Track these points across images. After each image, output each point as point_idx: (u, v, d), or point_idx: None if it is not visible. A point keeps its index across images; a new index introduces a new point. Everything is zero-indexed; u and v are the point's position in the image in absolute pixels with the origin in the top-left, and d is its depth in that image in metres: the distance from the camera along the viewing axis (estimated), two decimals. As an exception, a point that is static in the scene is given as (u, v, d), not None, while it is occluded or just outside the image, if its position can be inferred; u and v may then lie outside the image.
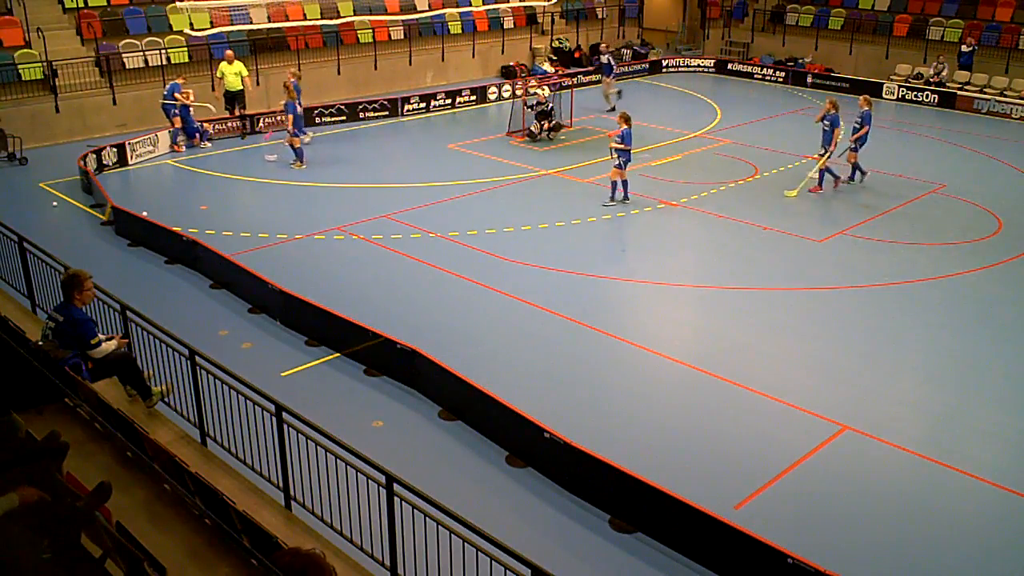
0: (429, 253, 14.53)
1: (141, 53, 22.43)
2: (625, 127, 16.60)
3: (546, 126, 21.68)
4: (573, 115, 23.18)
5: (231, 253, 13.68)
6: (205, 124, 20.86)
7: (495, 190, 18.06)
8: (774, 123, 24.01)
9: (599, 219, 16.41)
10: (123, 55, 22.19)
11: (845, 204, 17.51)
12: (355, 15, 26.18)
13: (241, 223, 15.84)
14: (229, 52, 21.60)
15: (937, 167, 20.10)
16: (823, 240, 15.54)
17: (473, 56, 28.88)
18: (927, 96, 26.39)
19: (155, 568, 4.06)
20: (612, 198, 16.99)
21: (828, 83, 27.96)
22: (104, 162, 18.73)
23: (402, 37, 27.22)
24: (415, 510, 6.18)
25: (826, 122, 17.70)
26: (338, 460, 6.65)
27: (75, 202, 16.99)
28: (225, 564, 5.16)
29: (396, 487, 6.31)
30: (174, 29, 23.33)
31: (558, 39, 31.17)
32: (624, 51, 32.26)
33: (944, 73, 26.73)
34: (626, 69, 30.12)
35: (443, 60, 28.07)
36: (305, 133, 19.27)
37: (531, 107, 21.93)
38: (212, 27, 23.03)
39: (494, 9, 29.67)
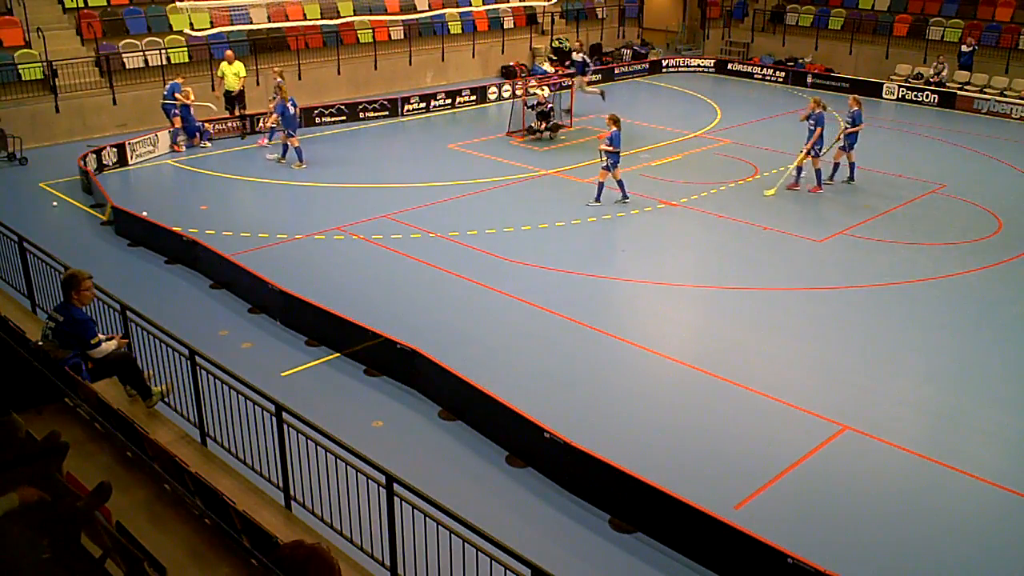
0: (429, 253, 14.53)
1: (141, 53, 22.43)
2: (615, 129, 16.58)
3: (543, 125, 21.72)
4: (573, 115, 23.20)
5: (231, 253, 13.67)
6: (206, 124, 20.87)
7: (495, 190, 18.06)
8: (774, 123, 24.00)
9: (599, 219, 16.41)
10: (123, 55, 22.19)
11: (845, 204, 17.50)
12: (355, 15, 26.18)
13: (241, 223, 15.84)
14: (229, 52, 21.60)
15: (937, 167, 20.10)
16: (823, 240, 15.54)
17: (473, 56, 28.87)
18: (927, 96, 26.39)
19: (155, 568, 4.06)
20: (597, 199, 16.95)
21: (828, 83, 27.97)
22: (104, 162, 18.73)
23: (402, 37, 27.22)
24: (415, 510, 6.18)
25: (811, 121, 17.73)
26: (338, 460, 6.65)
27: (75, 202, 16.99)
28: (225, 564, 5.16)
29: (396, 487, 6.31)
30: (174, 29, 23.32)
31: (558, 39, 31.16)
32: (624, 51, 32.28)
33: (944, 73, 26.73)
34: (626, 69, 30.14)
35: (443, 60, 28.07)
36: (292, 136, 19.18)
37: (531, 107, 21.97)
38: (212, 27, 23.01)
39: (494, 9, 29.67)
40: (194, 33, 22.31)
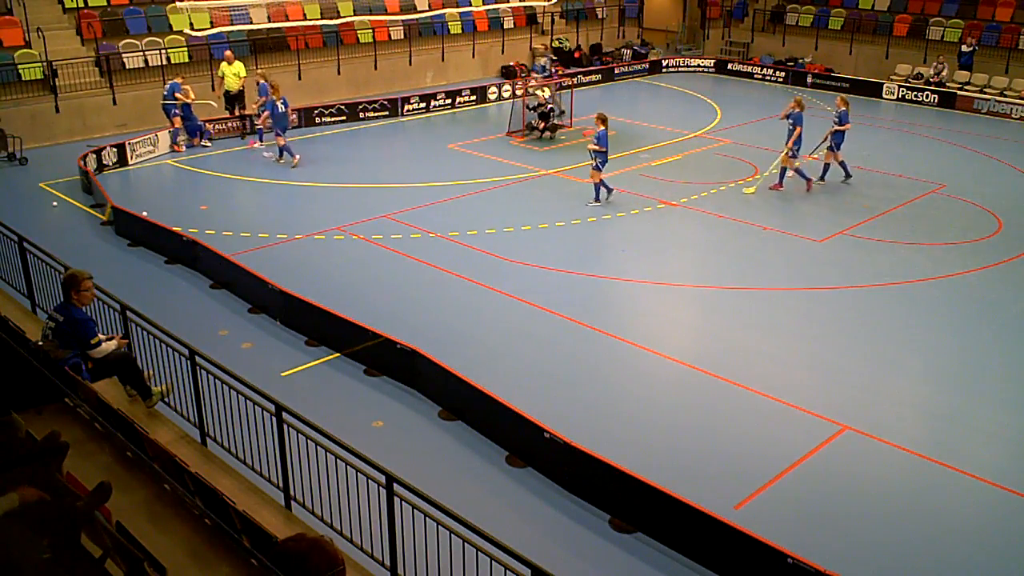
0: (429, 253, 14.53)
1: (141, 53, 22.43)
2: (601, 128, 16.56)
3: (541, 125, 21.75)
4: (573, 115, 23.19)
5: (231, 253, 13.67)
6: (207, 124, 20.88)
7: (495, 190, 18.06)
8: (774, 123, 23.81)
9: (599, 219, 16.41)
10: (123, 55, 22.19)
11: (845, 204, 17.50)
12: (355, 15, 26.19)
13: (241, 223, 15.84)
14: (228, 52, 21.61)
15: (937, 167, 20.09)
16: (823, 240, 15.54)
17: (473, 56, 28.88)
18: (927, 96, 26.39)
19: (155, 568, 4.06)
20: (597, 199, 16.96)
21: (828, 83, 27.96)
22: (104, 162, 18.73)
23: (402, 37, 27.22)
24: (415, 510, 6.18)
25: (790, 121, 17.74)
26: (338, 460, 6.65)
27: (75, 202, 16.99)
28: (225, 564, 5.15)
29: (396, 487, 6.31)
30: (174, 29, 23.33)
31: (558, 39, 31.16)
32: (624, 51, 32.28)
33: (944, 73, 26.73)
34: (626, 69, 30.15)
35: (443, 60, 28.07)
36: (279, 135, 19.24)
37: (532, 108, 21.99)
38: (212, 27, 23.03)
39: (494, 9, 29.67)
40: (194, 33, 22.32)
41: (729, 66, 30.66)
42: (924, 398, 10.92)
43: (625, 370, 11.38)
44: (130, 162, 19.33)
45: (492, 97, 26.20)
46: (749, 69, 30.24)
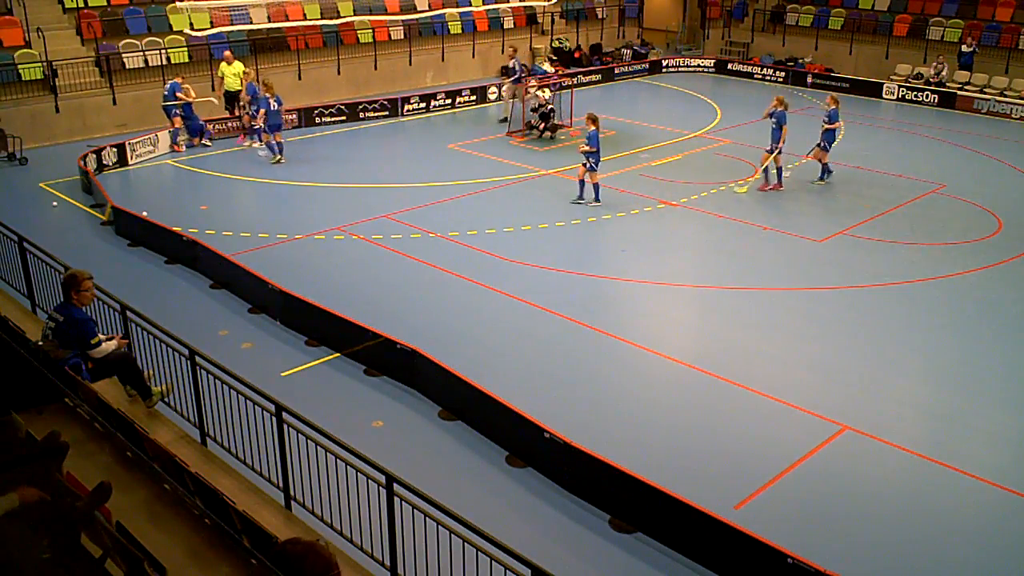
0: (429, 253, 14.53)
1: (141, 53, 22.43)
2: (593, 128, 16.55)
3: (542, 125, 21.74)
4: (573, 115, 23.17)
5: (231, 253, 13.67)
6: (207, 125, 20.88)
7: (495, 190, 18.06)
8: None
9: (599, 219, 16.41)
10: (123, 55, 22.19)
11: (845, 204, 17.50)
12: (355, 15, 26.18)
13: (241, 223, 15.84)
14: (228, 53, 21.61)
15: (937, 167, 20.09)
16: (823, 240, 15.54)
17: (473, 56, 28.87)
18: (927, 96, 26.38)
19: (155, 568, 4.06)
20: (596, 199, 16.92)
21: (828, 83, 27.95)
22: (104, 162, 18.73)
23: (402, 37, 27.22)
24: (415, 510, 6.18)
25: (773, 119, 17.74)
26: (338, 460, 6.65)
27: (75, 202, 16.99)
28: (225, 564, 5.15)
29: (396, 487, 6.31)
30: (174, 29, 23.33)
31: (558, 39, 31.16)
32: (624, 51, 32.28)
33: (944, 73, 26.73)
34: (626, 69, 30.14)
35: (443, 60, 28.07)
36: (267, 132, 19.39)
37: (533, 110, 22.00)
38: (212, 27, 23.03)
39: (494, 9, 29.67)
40: (194, 33, 22.32)
41: (729, 66, 30.65)
42: (924, 398, 10.92)
43: (625, 370, 11.38)
44: (130, 162, 19.32)
45: (492, 97, 26.18)
46: (749, 69, 30.24)
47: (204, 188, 18.27)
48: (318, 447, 6.77)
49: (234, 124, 21.50)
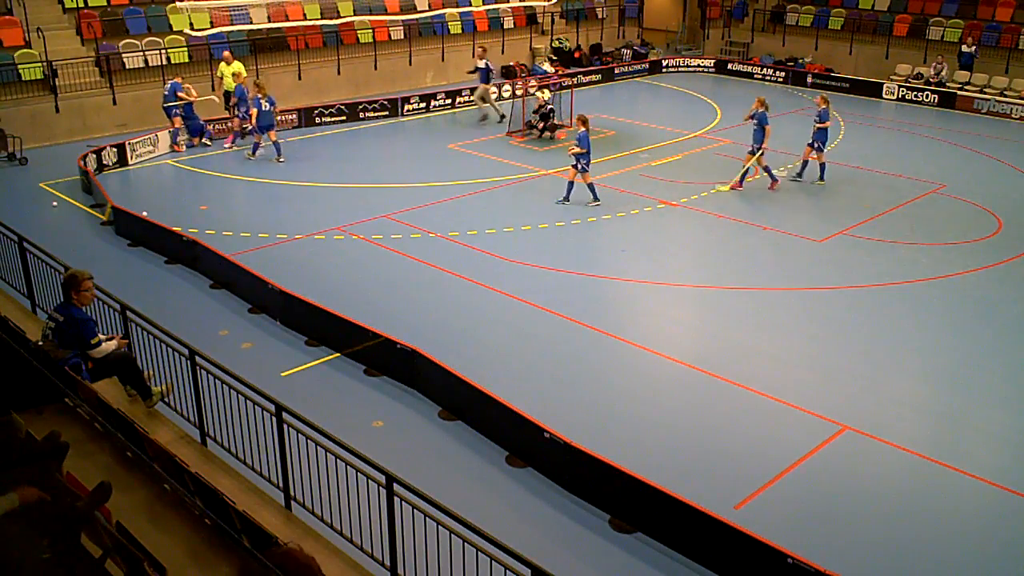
0: (429, 253, 14.53)
1: (141, 53, 22.42)
2: (583, 129, 16.56)
3: (542, 125, 21.75)
4: (573, 116, 23.16)
5: (231, 253, 13.67)
6: (208, 125, 20.88)
7: (495, 190, 18.06)
8: (774, 123, 23.87)
9: (599, 219, 16.41)
10: (123, 55, 22.19)
11: (845, 204, 17.50)
12: (355, 15, 26.18)
13: (241, 223, 15.84)
14: (227, 53, 21.61)
15: (937, 167, 20.09)
16: (823, 240, 15.54)
17: (473, 56, 28.79)
18: (927, 96, 26.39)
19: (155, 568, 4.06)
20: (595, 199, 16.88)
21: (828, 83, 27.95)
22: (104, 162, 18.73)
23: (402, 37, 27.21)
24: (415, 510, 6.18)
25: (754, 121, 17.76)
26: (338, 460, 6.65)
27: (75, 202, 16.99)
28: (225, 564, 5.16)
29: (396, 487, 6.31)
30: (174, 29, 23.32)
31: (558, 39, 31.16)
32: (624, 51, 32.28)
33: (944, 73, 26.73)
34: (626, 69, 30.14)
35: (443, 60, 28.06)
36: (258, 132, 19.44)
37: (533, 111, 22.01)
38: (212, 27, 23.02)
39: (494, 9, 29.66)
40: (194, 33, 22.32)
41: (729, 66, 30.65)
42: (924, 398, 10.92)
43: (625, 370, 11.38)
44: (130, 162, 19.32)
45: (492, 97, 26.12)
46: (749, 69, 30.23)
47: (204, 188, 18.27)
48: (318, 447, 6.77)
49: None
